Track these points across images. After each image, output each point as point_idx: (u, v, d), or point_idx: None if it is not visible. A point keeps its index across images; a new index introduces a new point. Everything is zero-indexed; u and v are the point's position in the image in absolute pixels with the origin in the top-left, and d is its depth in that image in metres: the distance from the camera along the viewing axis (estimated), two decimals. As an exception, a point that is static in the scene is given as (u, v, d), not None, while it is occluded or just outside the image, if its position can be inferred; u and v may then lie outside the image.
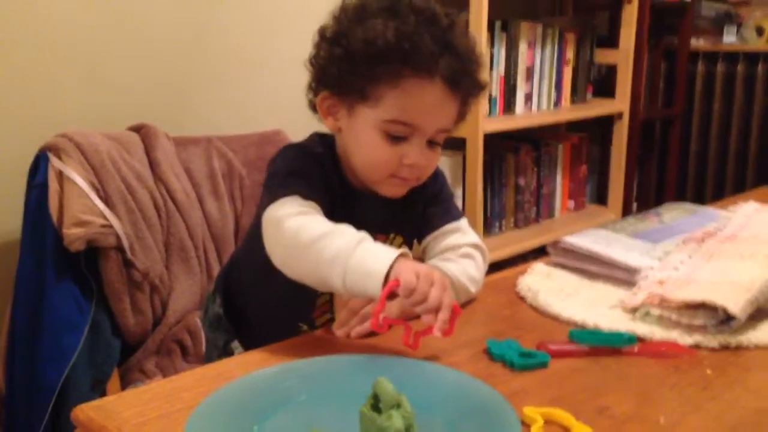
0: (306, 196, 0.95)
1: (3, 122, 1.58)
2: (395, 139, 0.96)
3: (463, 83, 0.98)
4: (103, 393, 1.49)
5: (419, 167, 0.99)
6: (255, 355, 0.90)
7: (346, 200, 1.03)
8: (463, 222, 1.12)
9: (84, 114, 1.67)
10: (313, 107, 1.04)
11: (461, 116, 1.04)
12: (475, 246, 1.10)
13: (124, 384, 1.55)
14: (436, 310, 0.82)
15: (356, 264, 0.85)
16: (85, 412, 0.77)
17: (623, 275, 1.10)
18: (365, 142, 0.98)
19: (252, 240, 1.05)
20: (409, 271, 0.82)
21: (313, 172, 1.01)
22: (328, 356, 0.85)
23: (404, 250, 0.87)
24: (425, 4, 0.98)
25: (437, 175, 1.11)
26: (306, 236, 0.89)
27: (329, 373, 0.80)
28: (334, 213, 0.98)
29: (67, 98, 1.66)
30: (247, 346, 1.11)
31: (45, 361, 1.44)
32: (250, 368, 0.82)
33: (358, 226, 0.98)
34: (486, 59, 2.19)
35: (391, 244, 1.08)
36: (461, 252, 1.08)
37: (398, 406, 0.68)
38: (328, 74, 0.99)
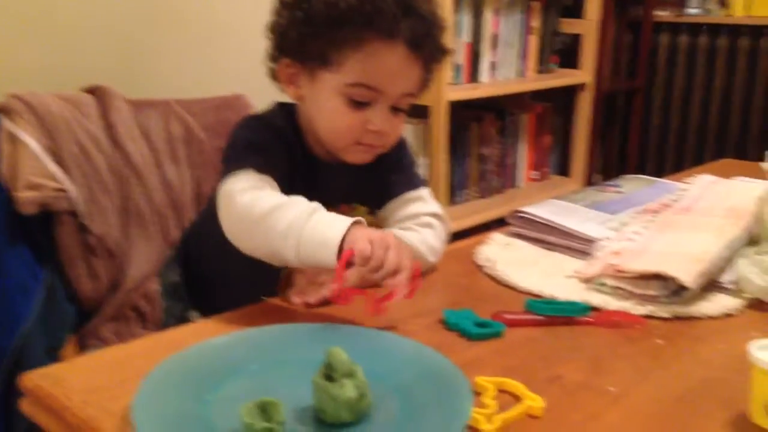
0: (261, 170, 0.94)
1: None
2: (358, 104, 0.96)
3: (426, 46, 0.97)
4: (57, 359, 1.47)
5: (384, 133, 0.99)
6: (210, 324, 0.89)
7: (309, 171, 1.03)
8: (425, 191, 1.12)
9: (36, 74, 1.62)
10: (274, 75, 1.03)
11: (425, 83, 1.03)
12: (436, 215, 1.10)
13: (80, 351, 1.53)
14: (395, 273, 0.82)
15: (309, 235, 0.85)
16: (33, 379, 0.76)
17: (580, 246, 1.11)
18: (328, 109, 0.97)
19: (211, 211, 1.04)
20: (363, 239, 0.82)
21: (272, 144, 0.99)
22: (281, 324, 0.84)
23: (358, 218, 0.86)
24: None
25: (400, 142, 1.10)
26: (258, 210, 0.88)
27: (282, 342, 0.79)
28: (296, 184, 0.97)
29: (18, 58, 1.60)
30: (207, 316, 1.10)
31: (-3, 327, 1.41)
32: (205, 336, 0.81)
33: (322, 196, 0.97)
34: (451, 25, 2.18)
35: (355, 214, 1.05)
36: (421, 221, 1.08)
37: (352, 375, 0.68)
38: (289, 40, 0.98)
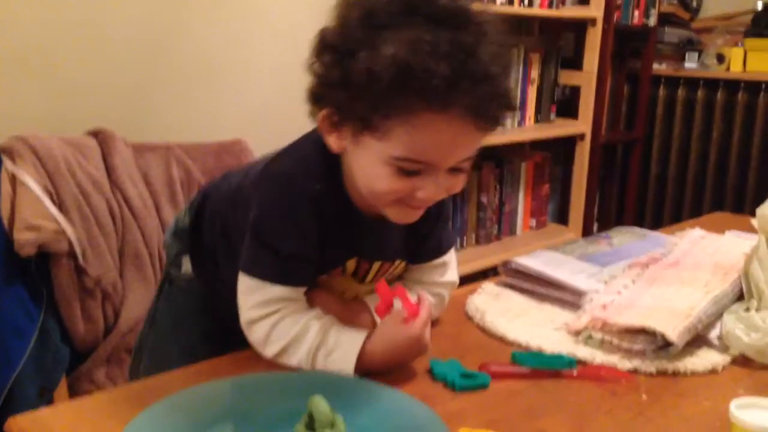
0: (280, 280, 0.90)
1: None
2: (408, 173, 0.83)
3: (490, 111, 0.82)
4: (50, 401, 1.47)
5: (434, 200, 0.88)
6: (196, 370, 0.90)
7: (350, 225, 0.93)
8: (450, 255, 1.07)
9: (41, 117, 1.65)
10: (315, 118, 0.89)
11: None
12: (450, 285, 1.07)
13: (73, 393, 1.53)
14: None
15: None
16: (18, 423, 0.76)
17: (570, 297, 1.12)
18: (373, 175, 0.85)
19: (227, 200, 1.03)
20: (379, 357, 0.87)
21: (305, 228, 0.89)
22: (264, 373, 0.85)
23: (359, 342, 0.88)
24: (445, 4, 0.81)
25: (445, 208, 1.03)
26: (269, 353, 0.90)
27: (265, 391, 0.80)
28: (332, 240, 0.92)
29: (24, 100, 1.64)
30: (199, 272, 1.11)
31: (-10, 367, 1.41)
32: (190, 383, 0.82)
33: (362, 252, 0.96)
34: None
35: (395, 270, 1.03)
36: (434, 291, 1.05)
37: (332, 426, 0.69)
38: (328, 93, 0.84)
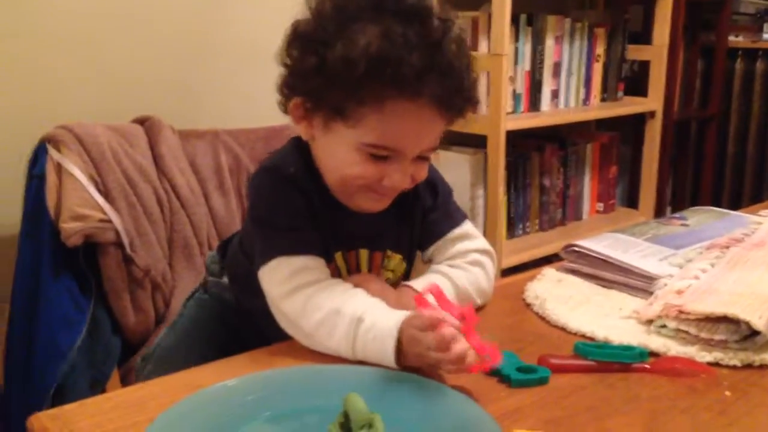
0: (291, 252, 0.88)
1: (5, 113, 1.55)
2: (376, 158, 0.86)
3: (455, 104, 0.87)
4: (102, 393, 1.45)
5: (400, 187, 0.90)
6: (228, 364, 0.84)
7: (331, 216, 0.94)
8: (467, 225, 1.04)
9: (88, 105, 1.64)
10: (285, 109, 0.92)
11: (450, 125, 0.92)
12: (485, 251, 1.02)
13: (125, 385, 1.50)
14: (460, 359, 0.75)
15: (362, 353, 0.82)
16: (40, 420, 0.72)
17: (640, 283, 1.02)
18: (342, 160, 0.88)
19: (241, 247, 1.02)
20: (417, 334, 0.77)
21: (294, 203, 0.91)
22: (298, 366, 0.79)
23: (404, 317, 0.80)
24: (415, 1, 0.85)
25: (432, 185, 1.01)
26: (304, 327, 0.86)
27: (299, 387, 0.73)
28: (317, 225, 0.91)
29: (71, 89, 1.63)
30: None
31: (41, 360, 1.40)
32: (222, 377, 0.76)
33: (348, 242, 0.94)
34: (510, 54, 2.11)
35: (389, 261, 1.00)
36: (471, 258, 1.00)
37: (369, 425, 0.62)
38: (302, 81, 0.87)
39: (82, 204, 1.39)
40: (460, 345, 0.74)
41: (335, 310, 0.84)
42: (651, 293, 0.99)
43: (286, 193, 0.91)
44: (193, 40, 1.80)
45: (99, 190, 1.43)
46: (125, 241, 1.44)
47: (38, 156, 1.43)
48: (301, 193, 0.91)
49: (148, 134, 1.57)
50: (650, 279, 1.01)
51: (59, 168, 1.40)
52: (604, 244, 1.10)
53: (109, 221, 1.42)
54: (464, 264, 1.00)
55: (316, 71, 0.84)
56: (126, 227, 1.45)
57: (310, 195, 0.92)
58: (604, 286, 1.05)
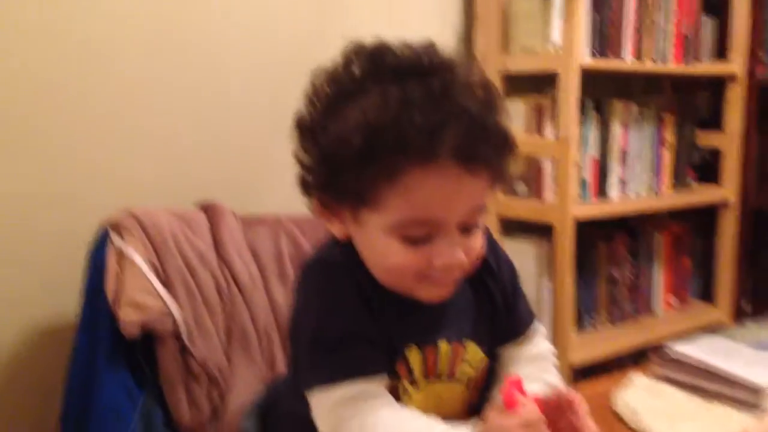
0: (347, 374, 0.77)
1: (69, 195, 1.55)
2: (417, 240, 0.77)
3: (481, 151, 0.75)
4: (152, 490, 1.38)
5: (456, 265, 0.79)
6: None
7: (394, 305, 0.84)
8: (537, 324, 0.97)
9: (150, 187, 1.64)
10: (312, 209, 0.87)
11: (494, 186, 0.82)
12: (551, 351, 0.96)
13: (174, 484, 1.43)
14: None
15: None
16: None
17: (746, 396, 0.91)
18: (381, 253, 0.79)
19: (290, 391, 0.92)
20: None
21: (344, 298, 0.82)
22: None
23: None
24: (409, 54, 0.78)
25: (499, 257, 0.93)
26: None
27: None
28: (381, 325, 0.82)
29: (133, 171, 1.63)
30: None
31: (92, 453, 1.34)
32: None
33: (412, 335, 0.84)
34: (575, 139, 2.05)
35: (467, 352, 0.89)
36: (541, 366, 0.93)
37: None
38: (313, 177, 0.82)
39: (142, 291, 1.36)
40: None
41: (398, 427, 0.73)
42: (759, 407, 0.88)
43: (338, 289, 0.82)
44: (259, 121, 1.80)
45: (159, 278, 1.39)
46: (183, 331, 1.40)
47: (100, 242, 1.41)
48: (357, 287, 0.82)
49: (210, 220, 1.55)
50: (758, 391, 0.90)
51: (120, 254, 1.37)
52: (702, 348, 1.00)
53: (169, 312, 1.38)
54: (537, 372, 0.91)
55: (320, 161, 0.80)
56: (185, 317, 1.41)
57: (367, 293, 0.82)
58: (704, 398, 0.95)
